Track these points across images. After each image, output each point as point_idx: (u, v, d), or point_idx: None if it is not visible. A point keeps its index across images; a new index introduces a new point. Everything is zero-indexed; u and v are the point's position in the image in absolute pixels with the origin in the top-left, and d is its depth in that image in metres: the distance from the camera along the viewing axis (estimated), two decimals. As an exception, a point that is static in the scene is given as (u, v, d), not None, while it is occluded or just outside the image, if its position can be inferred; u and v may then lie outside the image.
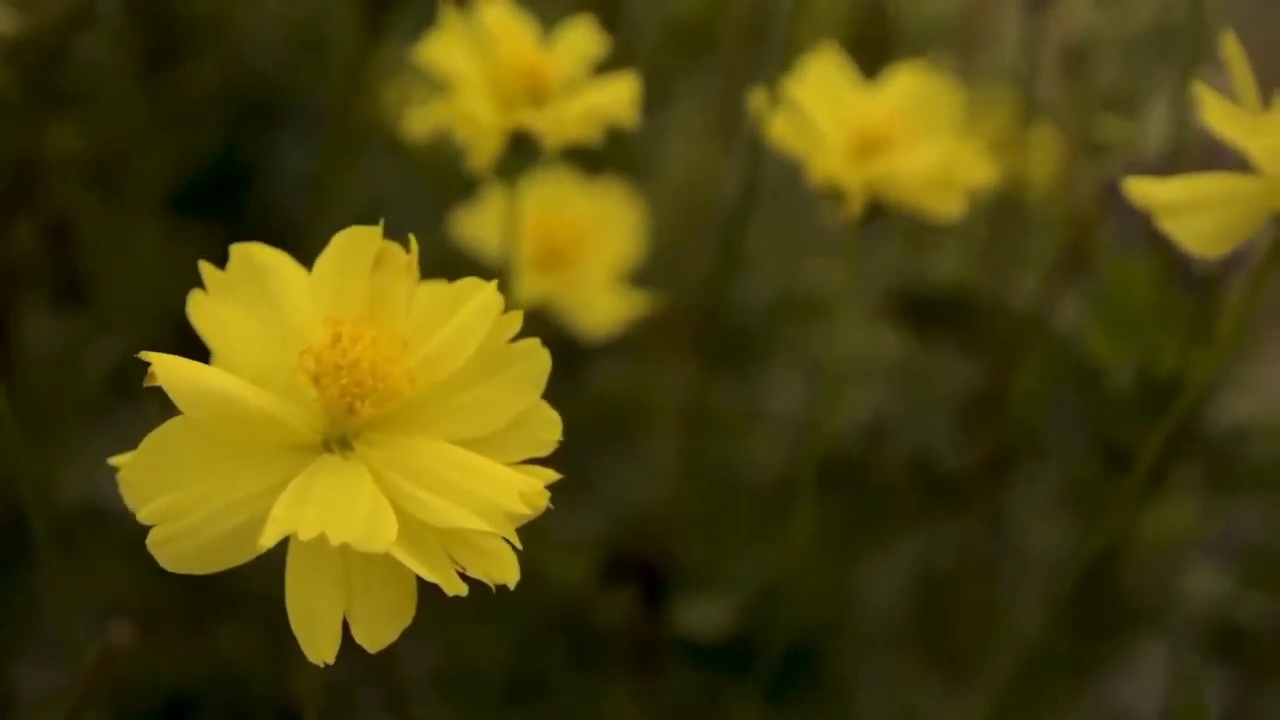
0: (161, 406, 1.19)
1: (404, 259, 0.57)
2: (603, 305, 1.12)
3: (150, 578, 1.19)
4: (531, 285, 1.09)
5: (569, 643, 1.18)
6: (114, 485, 1.20)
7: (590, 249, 1.15)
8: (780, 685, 1.14)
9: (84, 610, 1.07)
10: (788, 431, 1.34)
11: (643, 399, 1.29)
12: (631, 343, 1.24)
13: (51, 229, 1.17)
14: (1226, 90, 0.70)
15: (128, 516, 1.26)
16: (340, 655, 0.54)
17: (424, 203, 1.35)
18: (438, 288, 0.58)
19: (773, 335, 1.40)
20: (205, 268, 0.57)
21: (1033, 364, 1.23)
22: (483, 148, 0.86)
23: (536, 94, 0.87)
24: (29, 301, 1.16)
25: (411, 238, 0.57)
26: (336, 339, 0.55)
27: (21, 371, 1.12)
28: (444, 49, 0.87)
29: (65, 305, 1.21)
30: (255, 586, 1.20)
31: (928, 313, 1.28)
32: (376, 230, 0.57)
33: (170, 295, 1.22)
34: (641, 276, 1.17)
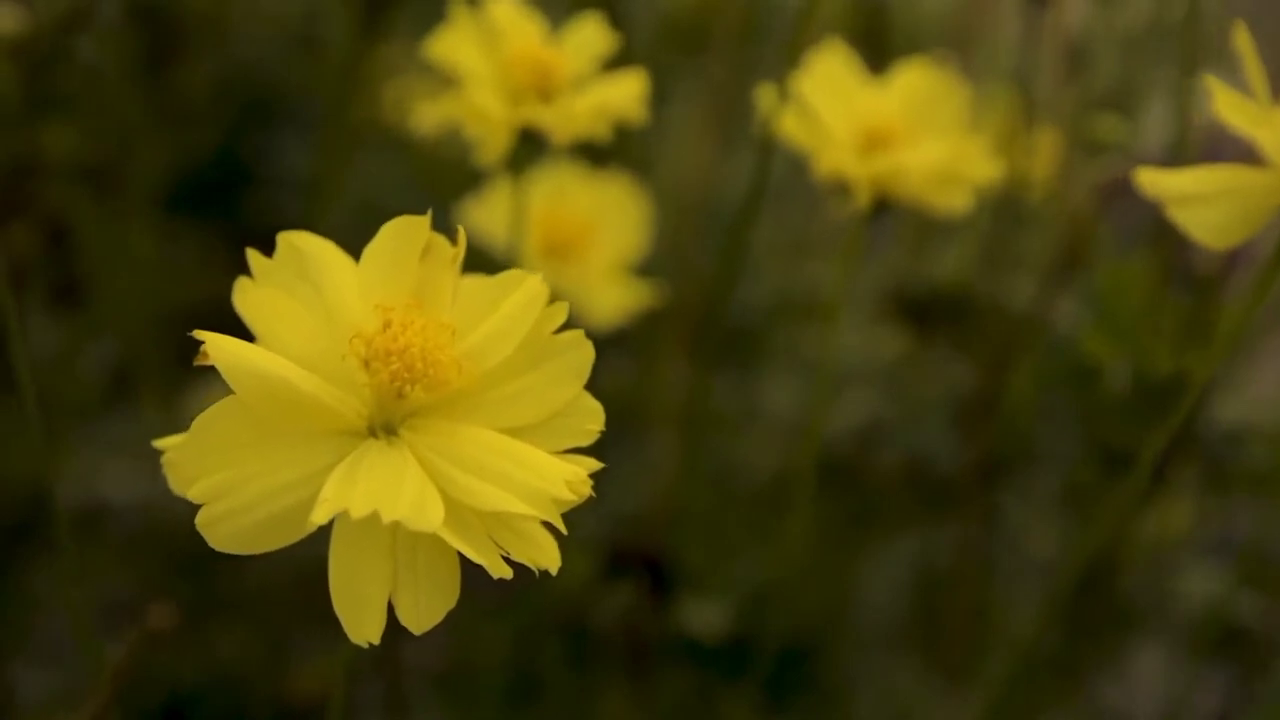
0: (160, 407, 1.19)
1: (451, 250, 0.58)
2: (607, 298, 1.13)
3: (148, 578, 1.19)
4: (536, 277, 1.09)
5: (567, 643, 1.18)
6: (111, 485, 1.20)
7: (595, 242, 1.15)
8: (777, 686, 1.15)
9: (82, 611, 1.06)
10: (785, 432, 1.35)
11: (643, 397, 1.29)
12: (632, 340, 1.24)
13: (49, 230, 1.17)
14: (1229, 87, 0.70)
15: (125, 516, 1.26)
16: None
17: (420, 201, 1.35)
18: (480, 280, 0.58)
19: (772, 336, 1.40)
20: (252, 255, 0.57)
21: (1028, 366, 1.24)
22: (493, 142, 0.86)
23: (545, 90, 0.88)
24: (27, 302, 1.16)
25: (460, 229, 0.57)
26: (387, 325, 0.55)
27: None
28: (454, 44, 0.87)
29: (63, 307, 1.21)
30: (255, 587, 1.20)
31: (925, 313, 1.29)
32: (425, 220, 0.57)
33: (167, 296, 1.23)
34: (642, 272, 1.17)
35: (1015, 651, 1.17)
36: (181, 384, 1.15)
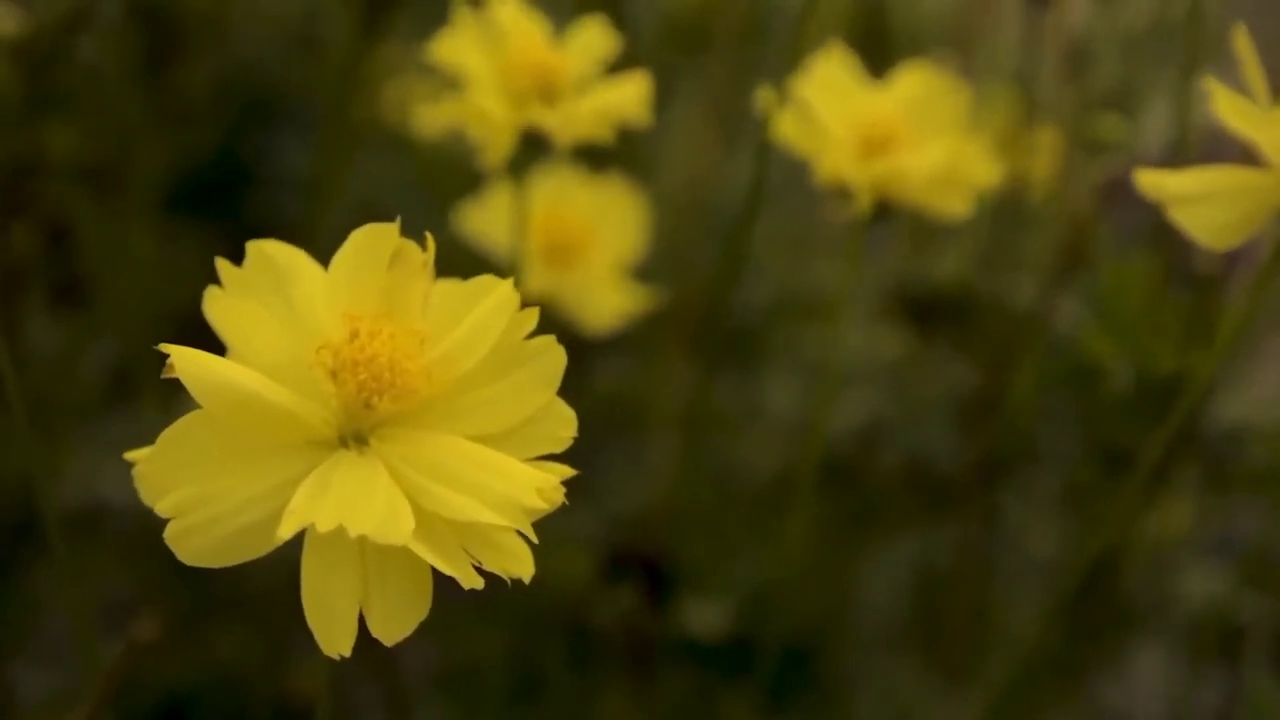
0: (160, 407, 1.19)
1: (420, 257, 0.57)
2: (607, 301, 1.12)
3: (148, 578, 1.19)
4: (536, 281, 1.09)
5: (568, 644, 1.18)
6: (111, 486, 1.20)
7: (595, 245, 1.15)
8: (777, 685, 1.15)
9: (82, 611, 1.07)
10: (786, 432, 1.35)
11: (643, 398, 1.29)
12: (632, 341, 1.24)
13: (49, 230, 1.17)
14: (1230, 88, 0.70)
15: (125, 516, 1.26)
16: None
17: (420, 202, 1.35)
18: (453, 285, 0.58)
19: (772, 336, 1.40)
20: (222, 264, 0.57)
21: (1030, 365, 1.24)
22: (495, 145, 0.86)
23: (548, 92, 0.87)
24: (27, 303, 1.15)
25: (428, 236, 0.57)
26: (354, 335, 0.55)
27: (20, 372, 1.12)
28: (457, 46, 0.87)
29: (63, 307, 1.21)
30: (255, 587, 1.20)
31: (927, 313, 1.29)
32: (394, 228, 0.57)
33: (168, 296, 1.23)
34: (641, 274, 1.17)
35: (1016, 652, 1.17)
36: (181, 385, 1.15)
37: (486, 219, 1.10)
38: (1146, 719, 1.30)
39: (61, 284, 1.20)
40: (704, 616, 1.18)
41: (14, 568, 1.19)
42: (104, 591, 1.19)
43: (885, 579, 1.35)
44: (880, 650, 1.34)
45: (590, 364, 1.24)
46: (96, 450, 1.18)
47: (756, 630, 1.15)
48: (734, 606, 1.19)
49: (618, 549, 1.16)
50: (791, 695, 1.22)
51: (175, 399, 1.17)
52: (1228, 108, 0.69)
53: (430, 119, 0.88)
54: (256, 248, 0.58)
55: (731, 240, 1.06)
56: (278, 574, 1.17)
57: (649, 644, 1.17)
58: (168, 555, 1.21)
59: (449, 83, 0.89)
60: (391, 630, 0.53)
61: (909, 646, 1.34)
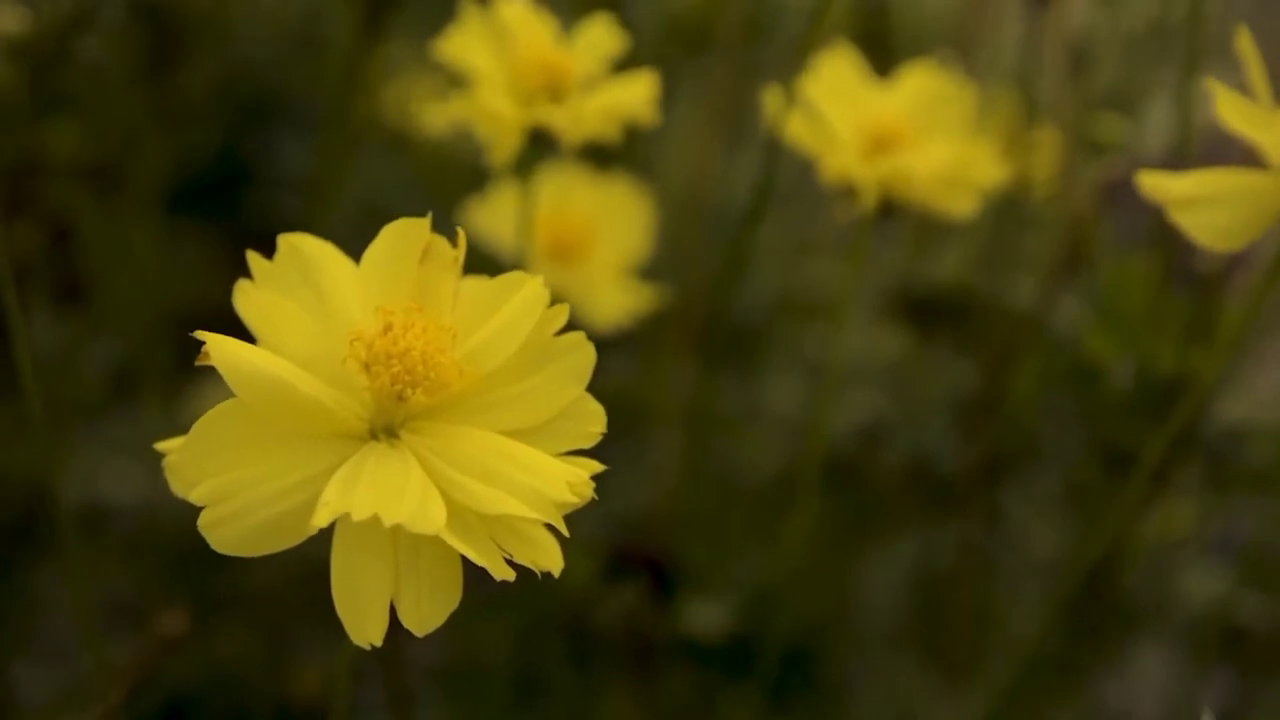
0: (161, 406, 1.18)
1: (451, 253, 0.57)
2: (611, 299, 1.12)
3: (148, 577, 1.19)
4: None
5: (570, 643, 1.18)
6: (111, 485, 1.20)
7: (598, 243, 1.15)
8: (778, 685, 1.15)
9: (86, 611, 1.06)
10: (787, 432, 1.35)
11: (645, 398, 1.29)
12: (635, 341, 1.24)
13: (52, 229, 1.17)
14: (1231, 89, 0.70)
15: (125, 516, 1.25)
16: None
17: (422, 201, 1.35)
18: (481, 282, 0.58)
19: (774, 336, 1.40)
20: (252, 257, 0.57)
21: (1030, 365, 1.24)
22: (503, 143, 0.86)
23: (556, 90, 0.87)
24: (30, 301, 1.15)
25: (460, 231, 0.57)
26: (388, 328, 0.55)
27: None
28: (464, 45, 0.87)
29: (65, 306, 1.21)
30: (255, 586, 1.20)
31: (928, 313, 1.29)
32: (425, 222, 0.57)
33: (169, 295, 1.23)
34: (644, 273, 1.17)
35: (1016, 651, 1.17)
36: (183, 384, 1.15)
37: (491, 218, 1.10)
38: (1146, 719, 1.31)
39: (63, 283, 1.20)
40: (705, 616, 1.18)
41: (15, 567, 1.19)
42: (105, 591, 1.19)
43: (886, 579, 1.34)
44: (881, 650, 1.34)
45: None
46: (97, 450, 1.18)
47: (758, 630, 1.15)
48: (735, 606, 1.19)
49: (620, 549, 1.16)
50: (792, 695, 1.22)
51: (176, 398, 1.17)
52: (1229, 109, 0.69)
53: (437, 117, 0.88)
54: (286, 241, 0.58)
55: (735, 240, 1.06)
56: (278, 574, 1.17)
57: (651, 644, 1.17)
58: (168, 555, 1.21)
59: (454, 81, 0.89)
60: (424, 621, 0.54)
61: (909, 646, 1.34)
